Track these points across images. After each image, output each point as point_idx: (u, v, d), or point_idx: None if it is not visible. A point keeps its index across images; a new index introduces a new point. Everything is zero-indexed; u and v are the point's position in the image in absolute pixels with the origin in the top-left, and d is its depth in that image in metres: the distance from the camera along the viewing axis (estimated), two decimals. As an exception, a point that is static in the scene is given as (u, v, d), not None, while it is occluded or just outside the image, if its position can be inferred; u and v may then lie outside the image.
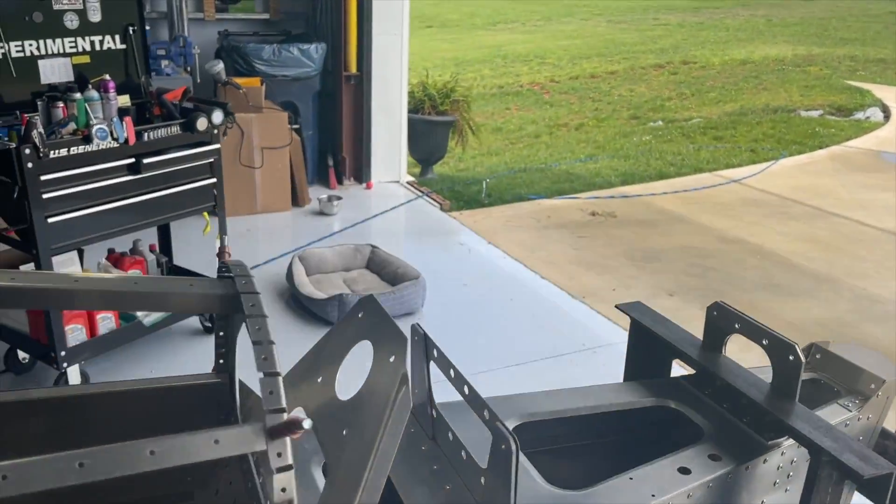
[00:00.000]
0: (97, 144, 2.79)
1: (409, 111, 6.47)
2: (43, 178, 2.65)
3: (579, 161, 8.01)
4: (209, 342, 3.51)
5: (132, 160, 2.93)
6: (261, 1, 6.20)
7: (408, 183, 6.18)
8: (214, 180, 3.27)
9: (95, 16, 3.14)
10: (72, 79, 3.10)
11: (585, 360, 3.45)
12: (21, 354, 3.14)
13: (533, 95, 13.21)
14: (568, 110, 12.00)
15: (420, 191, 5.97)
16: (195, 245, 3.78)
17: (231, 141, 4.97)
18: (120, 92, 3.15)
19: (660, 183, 6.81)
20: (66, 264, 3.02)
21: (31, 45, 2.95)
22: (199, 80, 5.17)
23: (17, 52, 2.92)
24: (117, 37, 3.23)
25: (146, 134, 2.96)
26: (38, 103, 2.92)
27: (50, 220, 2.71)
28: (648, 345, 1.93)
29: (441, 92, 6.51)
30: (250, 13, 6.11)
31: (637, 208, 5.95)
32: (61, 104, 2.89)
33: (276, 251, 4.52)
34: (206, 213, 3.37)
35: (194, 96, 3.35)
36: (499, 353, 3.48)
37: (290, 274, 3.96)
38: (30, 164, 2.60)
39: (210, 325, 3.53)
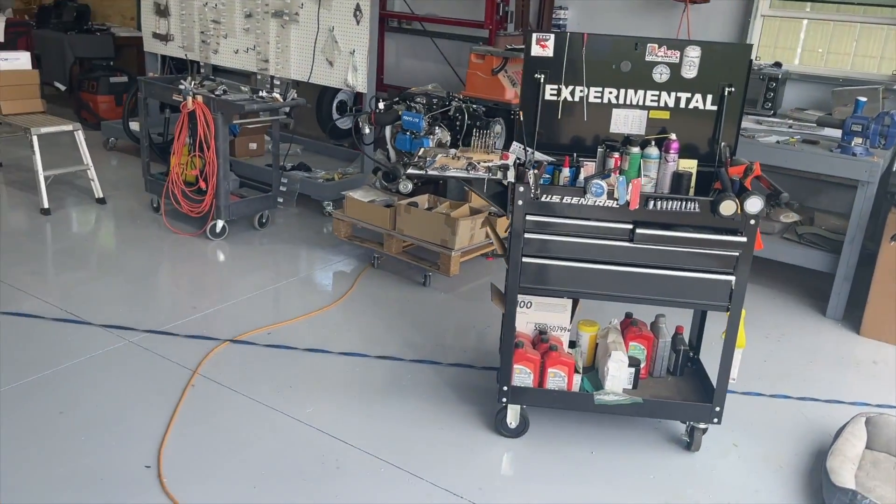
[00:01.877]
0: (591, 200, 2.62)
1: None
2: (529, 217, 2.67)
3: None
4: (682, 461, 2.94)
5: (630, 226, 2.64)
6: None
7: None
8: (733, 278, 2.65)
9: (690, 72, 2.88)
10: (642, 132, 2.96)
11: None
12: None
13: None
14: None
15: None
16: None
17: (905, 249, 3.89)
18: (689, 156, 2.86)
19: None
20: (556, 309, 2.98)
21: (611, 92, 2.93)
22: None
23: (595, 97, 2.94)
24: (710, 97, 2.90)
25: (654, 202, 2.61)
26: (598, 150, 2.92)
27: (525, 259, 2.72)
28: None
29: None
30: None
31: None
32: (617, 155, 2.82)
33: (884, 398, 3.38)
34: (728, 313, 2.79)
35: (766, 178, 2.75)
36: None
37: (836, 436, 2.92)
38: (520, 202, 2.65)
39: (690, 440, 2.95)
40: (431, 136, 4.31)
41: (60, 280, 4.14)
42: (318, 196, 5.41)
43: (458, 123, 4.44)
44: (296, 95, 4.78)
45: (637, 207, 2.62)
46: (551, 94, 2.96)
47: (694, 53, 2.87)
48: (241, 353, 3.46)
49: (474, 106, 4.55)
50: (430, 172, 2.78)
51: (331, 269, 4.56)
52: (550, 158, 2.95)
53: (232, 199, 4.84)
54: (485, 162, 2.88)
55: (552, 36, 2.92)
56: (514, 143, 3.05)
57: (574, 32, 2.90)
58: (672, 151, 2.78)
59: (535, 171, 2.62)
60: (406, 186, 4.42)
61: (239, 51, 6.08)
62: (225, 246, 4.77)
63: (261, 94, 4.67)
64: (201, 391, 3.12)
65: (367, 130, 4.46)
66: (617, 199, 2.61)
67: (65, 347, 3.36)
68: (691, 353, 3.18)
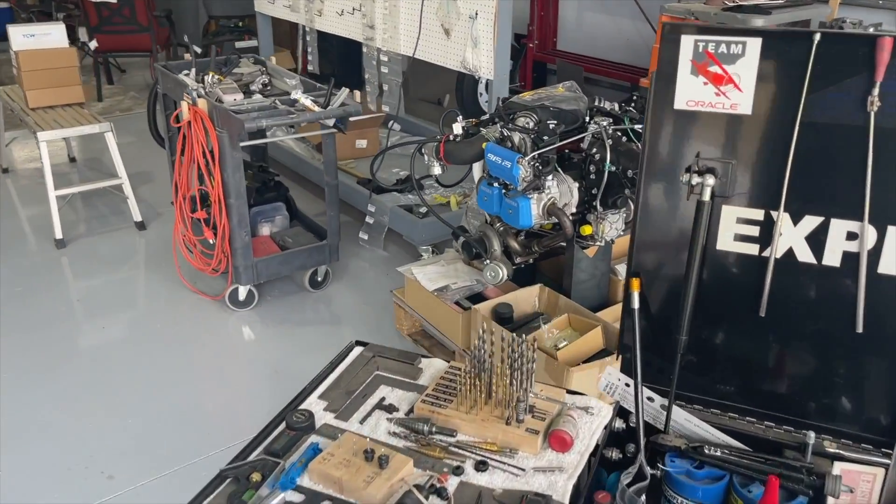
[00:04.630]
0: None
1: None
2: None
3: None
4: None
5: None
6: None
7: None
8: None
9: None
10: None
11: None
12: None
13: None
14: None
15: None
16: None
17: None
18: None
19: None
20: None
21: None
22: None
23: None
24: None
25: None
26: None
27: None
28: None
29: None
30: None
31: None
32: None
33: None
34: None
35: None
36: None
37: None
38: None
39: None
40: (536, 195, 2.32)
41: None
42: (409, 236, 3.62)
43: (592, 168, 2.35)
44: (349, 100, 2.97)
45: None
46: (746, 239, 0.88)
47: None
48: None
49: (636, 127, 2.42)
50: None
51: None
52: (722, 437, 0.90)
53: (268, 251, 3.21)
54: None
55: (755, 43, 0.82)
56: (609, 369, 1.02)
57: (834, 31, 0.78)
58: None
59: None
60: (496, 275, 2.48)
61: (343, 12, 4.40)
62: (252, 320, 3.20)
63: (295, 95, 2.94)
64: None
65: (437, 170, 2.54)
66: None
67: None
68: None
